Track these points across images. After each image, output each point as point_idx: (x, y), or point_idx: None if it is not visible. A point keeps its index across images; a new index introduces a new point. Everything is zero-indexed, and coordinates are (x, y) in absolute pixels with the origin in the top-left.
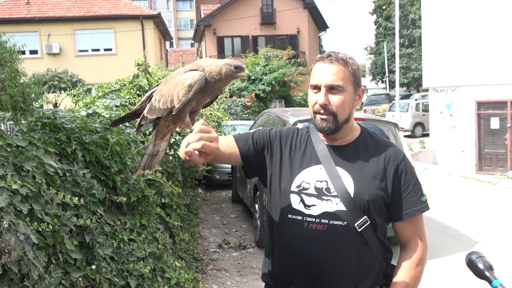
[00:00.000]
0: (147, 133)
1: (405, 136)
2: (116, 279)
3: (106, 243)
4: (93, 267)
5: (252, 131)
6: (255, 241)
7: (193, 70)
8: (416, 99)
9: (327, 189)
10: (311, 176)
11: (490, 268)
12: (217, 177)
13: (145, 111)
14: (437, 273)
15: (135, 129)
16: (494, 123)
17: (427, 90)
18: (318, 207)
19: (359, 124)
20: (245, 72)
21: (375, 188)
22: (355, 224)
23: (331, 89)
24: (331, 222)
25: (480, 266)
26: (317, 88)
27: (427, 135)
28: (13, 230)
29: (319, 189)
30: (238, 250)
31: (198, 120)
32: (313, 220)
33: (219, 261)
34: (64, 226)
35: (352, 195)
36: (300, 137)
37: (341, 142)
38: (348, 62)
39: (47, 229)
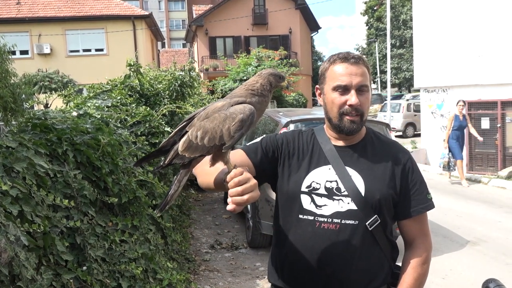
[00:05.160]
0: (139, 133)
1: (396, 136)
2: (108, 281)
3: (98, 244)
4: (84, 268)
5: (258, 139)
6: (248, 241)
7: (239, 103)
8: (407, 100)
9: (338, 189)
10: (320, 177)
11: None
12: None
13: (179, 149)
14: (429, 272)
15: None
16: (485, 123)
17: (418, 90)
18: (329, 207)
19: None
20: (285, 82)
21: (385, 187)
22: (367, 223)
23: (359, 89)
24: (343, 221)
25: None
26: (345, 89)
27: (419, 135)
28: (3, 232)
29: (330, 189)
30: (230, 251)
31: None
32: (325, 220)
33: (211, 262)
34: (55, 228)
35: (363, 194)
36: (305, 138)
37: (349, 142)
38: (366, 62)
39: (38, 231)
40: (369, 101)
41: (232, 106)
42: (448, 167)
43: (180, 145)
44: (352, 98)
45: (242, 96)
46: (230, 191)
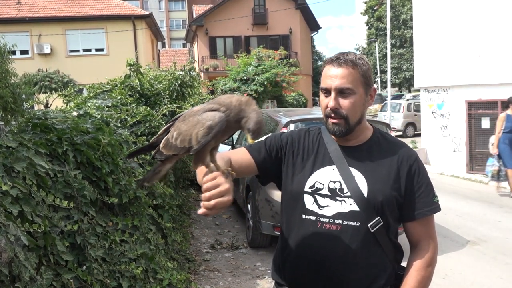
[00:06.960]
0: (139, 133)
1: (396, 136)
2: (108, 280)
3: (98, 244)
4: (84, 268)
5: (262, 138)
6: (248, 241)
7: (213, 110)
8: (407, 99)
9: (341, 189)
10: (324, 177)
11: None
12: None
13: (160, 145)
14: None
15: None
16: (485, 123)
17: (418, 90)
18: (332, 207)
19: (371, 125)
20: (251, 139)
21: (388, 189)
22: (369, 225)
23: (341, 92)
24: (344, 222)
25: None
26: (327, 91)
27: (419, 135)
28: (3, 232)
29: (333, 189)
30: (230, 251)
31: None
32: (327, 220)
33: (211, 262)
34: (55, 227)
35: (365, 195)
36: (311, 138)
37: (354, 142)
38: (357, 64)
39: (38, 231)
40: (354, 104)
41: (205, 112)
42: (497, 176)
43: (162, 142)
44: (330, 101)
45: (220, 103)
46: (202, 196)
